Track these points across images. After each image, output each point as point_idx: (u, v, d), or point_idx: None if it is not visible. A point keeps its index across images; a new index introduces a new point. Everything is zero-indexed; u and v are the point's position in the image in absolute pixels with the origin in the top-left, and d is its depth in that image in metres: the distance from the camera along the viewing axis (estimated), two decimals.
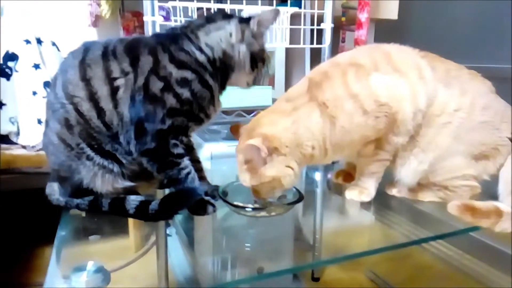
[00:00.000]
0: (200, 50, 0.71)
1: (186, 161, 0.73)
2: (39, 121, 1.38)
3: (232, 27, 0.73)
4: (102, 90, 0.69)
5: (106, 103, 0.69)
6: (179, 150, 0.73)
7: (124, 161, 0.73)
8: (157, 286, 0.74)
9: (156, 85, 0.68)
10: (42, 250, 1.45)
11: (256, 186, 0.69)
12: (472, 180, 0.76)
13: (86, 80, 0.69)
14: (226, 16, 0.75)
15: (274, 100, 1.32)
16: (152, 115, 0.68)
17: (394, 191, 0.78)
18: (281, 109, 0.70)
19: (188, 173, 0.73)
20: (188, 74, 0.69)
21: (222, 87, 0.77)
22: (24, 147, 1.36)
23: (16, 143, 1.39)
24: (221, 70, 0.74)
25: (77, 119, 0.69)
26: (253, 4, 1.14)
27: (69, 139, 0.70)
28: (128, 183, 0.74)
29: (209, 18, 0.75)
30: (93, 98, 0.69)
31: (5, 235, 1.39)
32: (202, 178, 0.78)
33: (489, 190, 0.77)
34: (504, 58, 1.41)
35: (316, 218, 0.92)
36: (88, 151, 0.70)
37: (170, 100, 0.68)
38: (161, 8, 1.04)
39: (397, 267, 1.32)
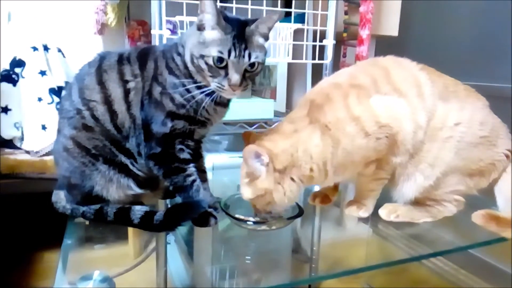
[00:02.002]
0: (178, 53, 0.72)
1: (192, 168, 0.75)
2: (43, 127, 1.40)
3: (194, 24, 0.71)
4: (116, 92, 0.72)
5: (119, 106, 0.72)
6: (185, 155, 0.75)
7: (135, 167, 0.76)
8: None
9: (157, 90, 0.72)
10: (41, 255, 1.45)
11: (252, 199, 0.71)
12: (462, 195, 0.78)
13: (101, 84, 0.73)
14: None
15: (276, 113, 1.35)
16: (155, 118, 0.72)
17: (392, 217, 0.78)
18: (283, 130, 0.72)
19: (194, 181, 0.74)
20: (175, 80, 0.71)
21: (199, 87, 0.71)
22: (28, 152, 1.38)
23: (20, 148, 1.40)
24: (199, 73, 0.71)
25: (94, 123, 0.72)
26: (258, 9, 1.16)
27: (86, 141, 0.73)
28: (140, 190, 0.77)
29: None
30: (107, 100, 0.72)
31: (6, 239, 1.39)
32: (205, 189, 0.80)
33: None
34: (503, 77, 1.43)
35: (314, 231, 0.94)
36: (107, 152, 0.73)
37: (168, 104, 0.71)
38: (168, 21, 1.06)
39: (394, 281, 1.33)
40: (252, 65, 0.69)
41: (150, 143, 0.73)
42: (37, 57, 1.44)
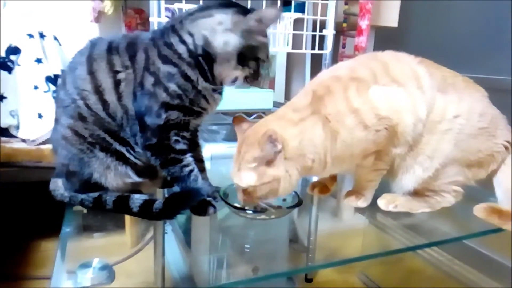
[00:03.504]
0: (181, 40, 0.71)
1: (189, 158, 0.75)
2: (40, 115, 1.39)
3: (223, 15, 0.70)
4: (106, 83, 0.71)
5: (110, 96, 0.71)
6: (181, 146, 0.74)
7: (132, 155, 0.75)
8: (154, 284, 0.76)
9: (149, 81, 0.71)
10: (39, 244, 1.46)
11: (253, 187, 0.68)
12: (460, 186, 0.78)
13: (92, 73, 0.72)
14: (224, 5, 0.72)
15: (274, 103, 1.35)
16: (149, 110, 0.71)
17: (390, 207, 0.79)
18: (289, 117, 0.71)
19: (191, 171, 0.74)
20: (171, 69, 0.70)
21: (206, 79, 0.72)
22: (24, 140, 1.37)
23: (16, 137, 1.40)
24: (204, 59, 0.71)
25: (89, 113, 0.72)
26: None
27: (83, 130, 0.72)
28: (138, 179, 0.76)
29: (203, 7, 0.74)
30: (98, 90, 0.71)
31: (3, 228, 1.39)
32: (204, 179, 0.79)
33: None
34: (503, 69, 1.43)
35: (311, 221, 0.94)
36: (103, 140, 0.73)
37: (162, 95, 0.70)
38: (167, 9, 1.05)
39: (389, 270, 1.35)
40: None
41: (146, 134, 0.72)
42: (33, 45, 1.42)
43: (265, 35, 0.73)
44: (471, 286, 1.26)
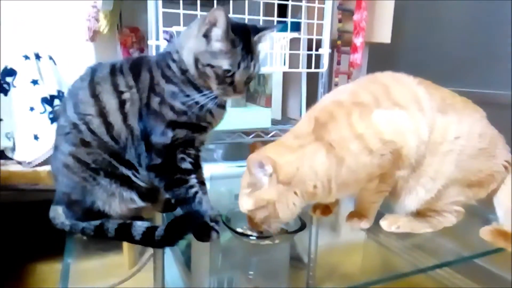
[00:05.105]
0: (172, 59, 0.73)
1: (193, 179, 0.75)
2: (36, 137, 1.37)
3: (193, 24, 0.73)
4: (111, 104, 0.72)
5: (114, 117, 0.72)
6: (187, 165, 0.74)
7: (138, 178, 0.75)
8: None
9: (155, 100, 0.72)
10: (35, 266, 1.43)
11: (251, 211, 0.70)
12: (461, 206, 0.79)
13: (95, 96, 0.72)
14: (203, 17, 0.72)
15: (272, 121, 1.35)
16: (155, 129, 0.71)
17: (393, 228, 0.79)
18: (288, 144, 0.72)
19: (196, 193, 0.74)
20: (173, 88, 0.72)
21: (200, 92, 0.72)
22: (19, 163, 1.35)
23: (11, 159, 1.38)
24: (189, 73, 0.72)
25: (92, 137, 0.71)
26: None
27: (85, 156, 0.72)
28: (142, 203, 0.76)
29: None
30: (102, 113, 0.71)
31: None
32: (206, 202, 0.78)
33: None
34: (498, 83, 1.44)
35: (312, 240, 0.93)
36: (107, 165, 0.72)
37: (168, 113, 0.71)
38: (165, 32, 1.06)
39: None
40: (254, 74, 0.74)
41: (150, 154, 0.72)
42: (29, 66, 1.42)
43: (221, 40, 0.68)
44: None
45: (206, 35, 0.69)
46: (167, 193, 0.76)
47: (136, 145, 0.73)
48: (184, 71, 0.72)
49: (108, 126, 0.71)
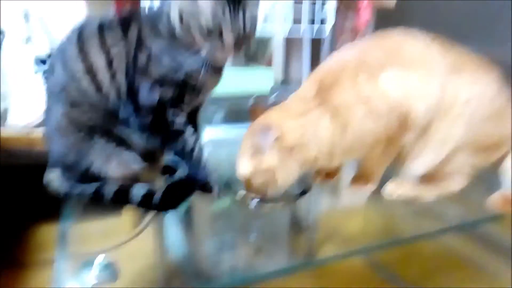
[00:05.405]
0: (163, 16, 0.68)
1: (190, 129, 0.72)
2: (30, 99, 1.34)
3: None
4: (99, 61, 0.68)
5: (103, 75, 0.68)
6: (181, 119, 0.71)
7: (134, 137, 0.73)
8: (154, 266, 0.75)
9: (141, 57, 0.68)
10: (35, 228, 1.43)
11: (250, 177, 0.68)
12: (469, 170, 0.77)
13: (83, 53, 0.68)
14: None
15: (275, 83, 1.31)
16: (141, 87, 0.68)
17: (396, 196, 0.78)
18: (292, 108, 0.69)
19: (195, 142, 0.72)
20: (161, 44, 0.68)
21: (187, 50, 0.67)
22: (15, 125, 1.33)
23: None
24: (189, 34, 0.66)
25: (82, 97, 0.68)
26: None
27: (78, 117, 0.69)
28: (141, 165, 0.74)
29: None
30: (90, 70, 0.68)
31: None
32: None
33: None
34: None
35: (312, 202, 0.92)
36: (102, 124, 0.70)
37: (155, 71, 0.68)
38: None
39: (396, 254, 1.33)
40: (245, 28, 0.64)
41: (140, 113, 0.70)
42: (19, 26, 1.36)
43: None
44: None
45: None
46: (165, 150, 0.73)
47: (125, 103, 0.70)
48: (173, 29, 0.66)
49: (98, 84, 0.68)
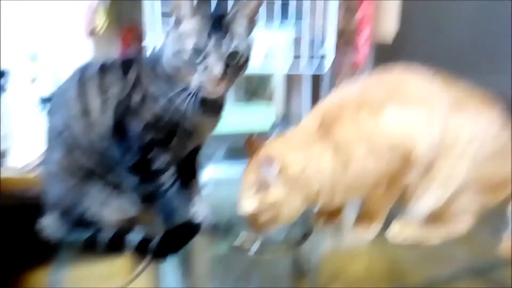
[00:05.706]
0: (160, 58, 0.68)
1: (172, 170, 0.71)
2: (31, 140, 1.34)
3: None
4: (95, 103, 0.68)
5: (98, 117, 0.68)
6: (165, 158, 0.70)
7: (128, 182, 0.72)
8: None
9: (135, 99, 0.68)
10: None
11: (254, 214, 0.66)
12: (476, 210, 0.74)
13: (82, 94, 0.68)
14: None
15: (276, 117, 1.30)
16: (132, 128, 0.68)
17: (400, 239, 0.76)
18: (293, 141, 0.68)
19: (167, 190, 0.70)
20: (155, 88, 0.68)
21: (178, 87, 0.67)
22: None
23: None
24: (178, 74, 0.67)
25: (79, 140, 0.68)
26: None
27: (74, 162, 0.68)
28: (136, 210, 0.72)
29: None
30: (86, 112, 0.68)
31: None
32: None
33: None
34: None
35: (313, 243, 0.89)
36: (97, 169, 0.69)
37: (146, 114, 0.67)
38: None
39: None
40: (233, 55, 0.63)
41: (128, 152, 0.69)
42: (26, 66, 1.39)
43: (187, 18, 0.63)
44: None
45: (176, 20, 0.64)
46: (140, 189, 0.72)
47: (113, 142, 0.69)
48: (166, 70, 0.66)
49: (91, 125, 0.68)
